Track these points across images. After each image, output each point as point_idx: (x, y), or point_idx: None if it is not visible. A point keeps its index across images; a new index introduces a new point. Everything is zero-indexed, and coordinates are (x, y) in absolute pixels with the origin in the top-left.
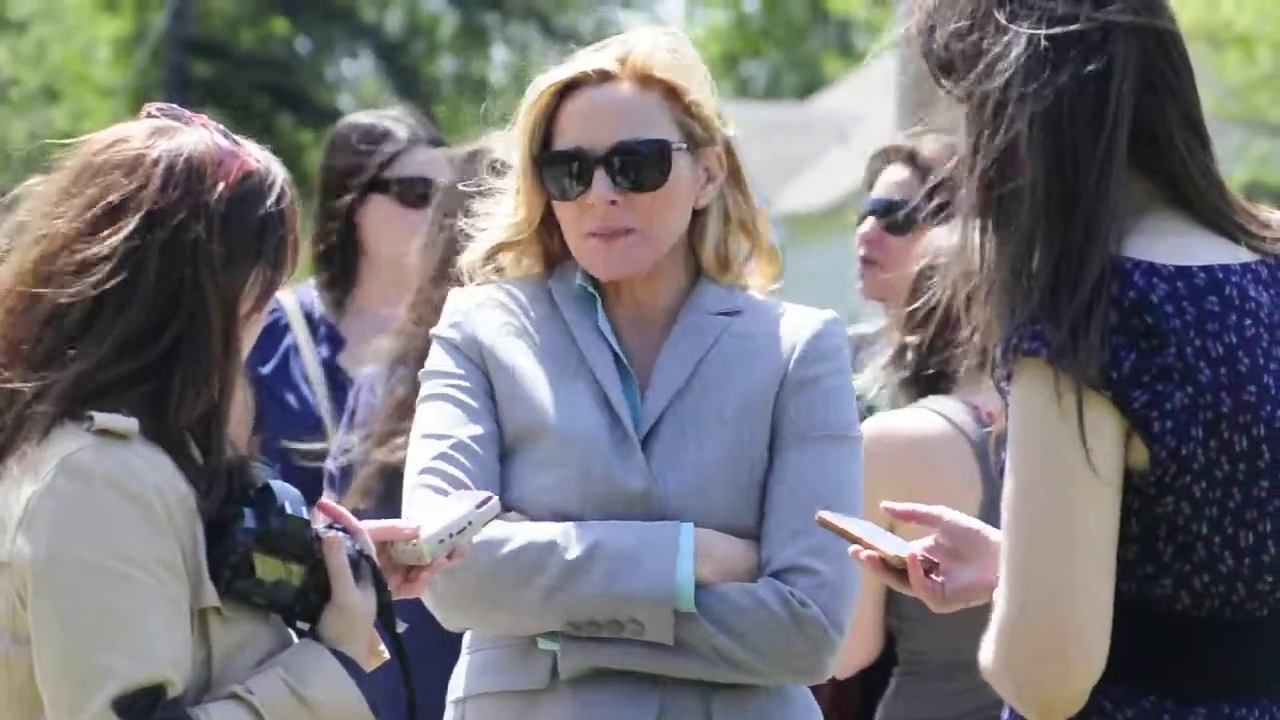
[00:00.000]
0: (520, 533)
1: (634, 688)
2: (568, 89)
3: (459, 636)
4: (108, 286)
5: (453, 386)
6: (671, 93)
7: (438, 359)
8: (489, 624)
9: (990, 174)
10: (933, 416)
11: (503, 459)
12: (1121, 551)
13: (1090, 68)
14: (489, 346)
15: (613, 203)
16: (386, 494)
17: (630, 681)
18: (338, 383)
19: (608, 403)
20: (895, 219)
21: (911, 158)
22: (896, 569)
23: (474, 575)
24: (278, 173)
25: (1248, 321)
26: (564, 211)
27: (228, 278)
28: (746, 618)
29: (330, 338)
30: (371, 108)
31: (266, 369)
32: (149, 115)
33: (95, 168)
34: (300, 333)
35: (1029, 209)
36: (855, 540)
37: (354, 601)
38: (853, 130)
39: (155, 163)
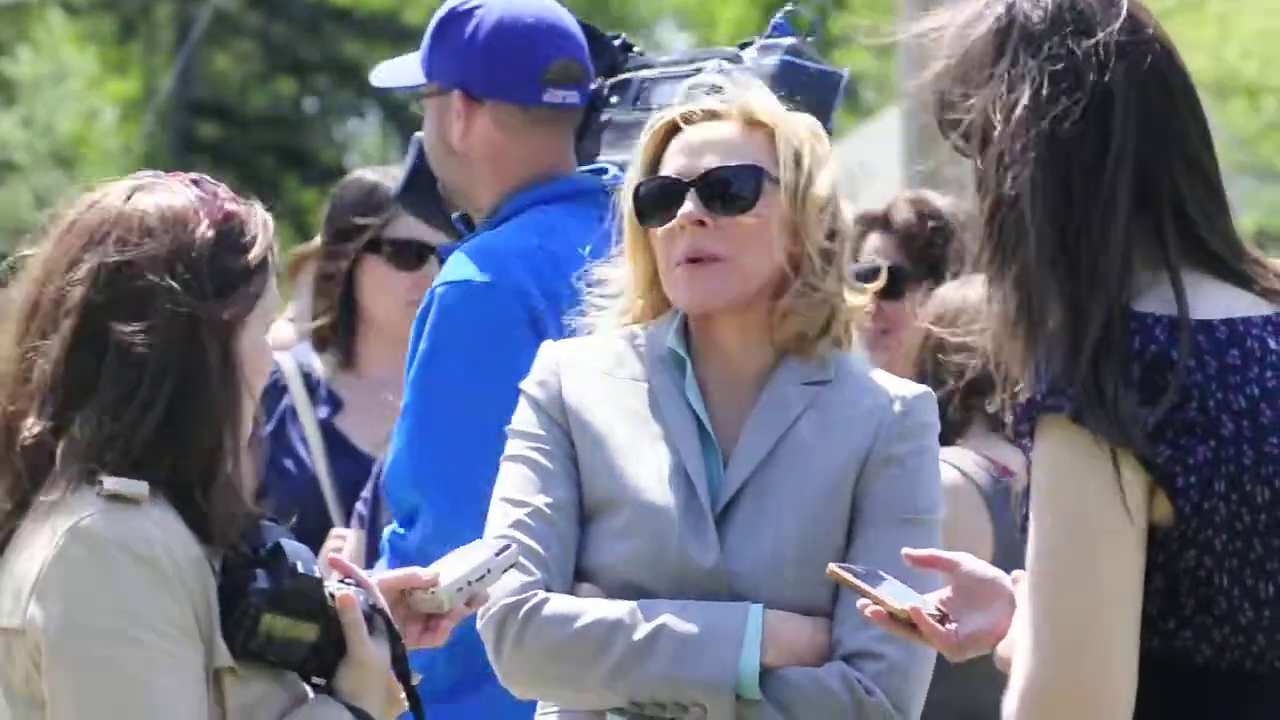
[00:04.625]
0: (590, 610)
1: None
2: (675, 130)
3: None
4: (123, 341)
5: (534, 448)
6: (775, 136)
7: (523, 416)
8: (554, 697)
9: (997, 229)
10: (946, 468)
11: (582, 522)
12: (1145, 606)
13: (1091, 119)
14: (574, 408)
15: (700, 223)
16: None
17: None
18: (335, 446)
19: (686, 474)
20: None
21: (886, 223)
22: (904, 621)
23: (542, 651)
24: (259, 212)
25: (1269, 373)
26: (658, 242)
27: (221, 318)
28: (811, 704)
29: (328, 400)
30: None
31: (263, 432)
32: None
33: (82, 227)
34: (298, 395)
35: (1034, 262)
36: (863, 594)
37: (369, 656)
38: (860, 184)
39: (141, 215)
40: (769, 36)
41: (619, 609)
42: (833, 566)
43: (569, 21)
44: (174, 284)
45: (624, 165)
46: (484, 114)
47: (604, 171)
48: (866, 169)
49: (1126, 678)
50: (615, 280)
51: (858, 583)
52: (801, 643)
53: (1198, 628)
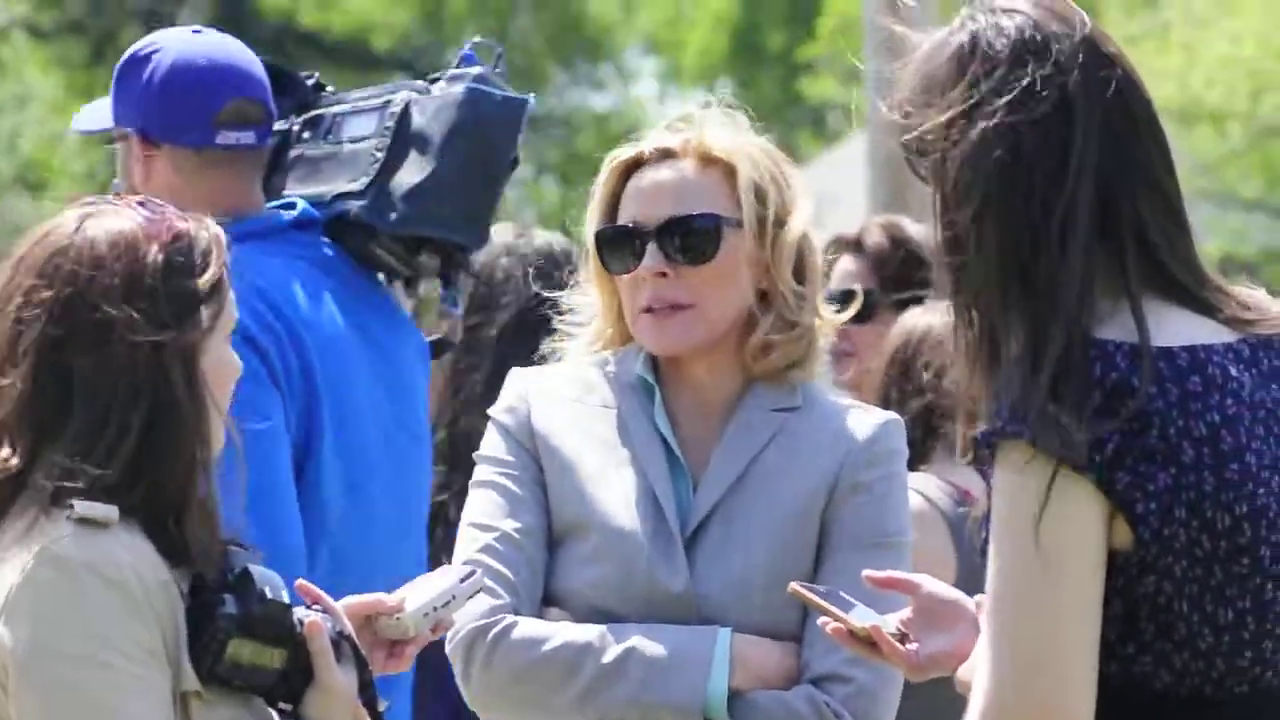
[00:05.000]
0: (558, 633)
1: None
2: (633, 168)
3: None
4: (86, 374)
5: (503, 474)
6: (733, 173)
7: (492, 443)
8: None
9: (957, 253)
10: (909, 493)
11: (551, 548)
12: (1104, 632)
13: (1051, 146)
14: (543, 434)
15: (663, 275)
16: None
17: None
18: None
19: (655, 500)
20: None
21: (858, 246)
22: (865, 640)
23: (510, 674)
24: (209, 227)
25: (1229, 401)
26: (622, 288)
27: (181, 338)
28: None
29: None
30: None
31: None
32: (75, 203)
33: (34, 261)
34: None
35: (994, 286)
36: (824, 612)
37: (337, 683)
38: (827, 210)
39: (90, 244)
40: (458, 66)
41: (588, 632)
42: (794, 585)
43: (248, 62)
44: (131, 313)
45: (312, 199)
46: (162, 158)
47: (292, 206)
48: (832, 196)
49: (1084, 701)
50: (584, 308)
51: (819, 600)
52: (770, 667)
53: (1157, 653)
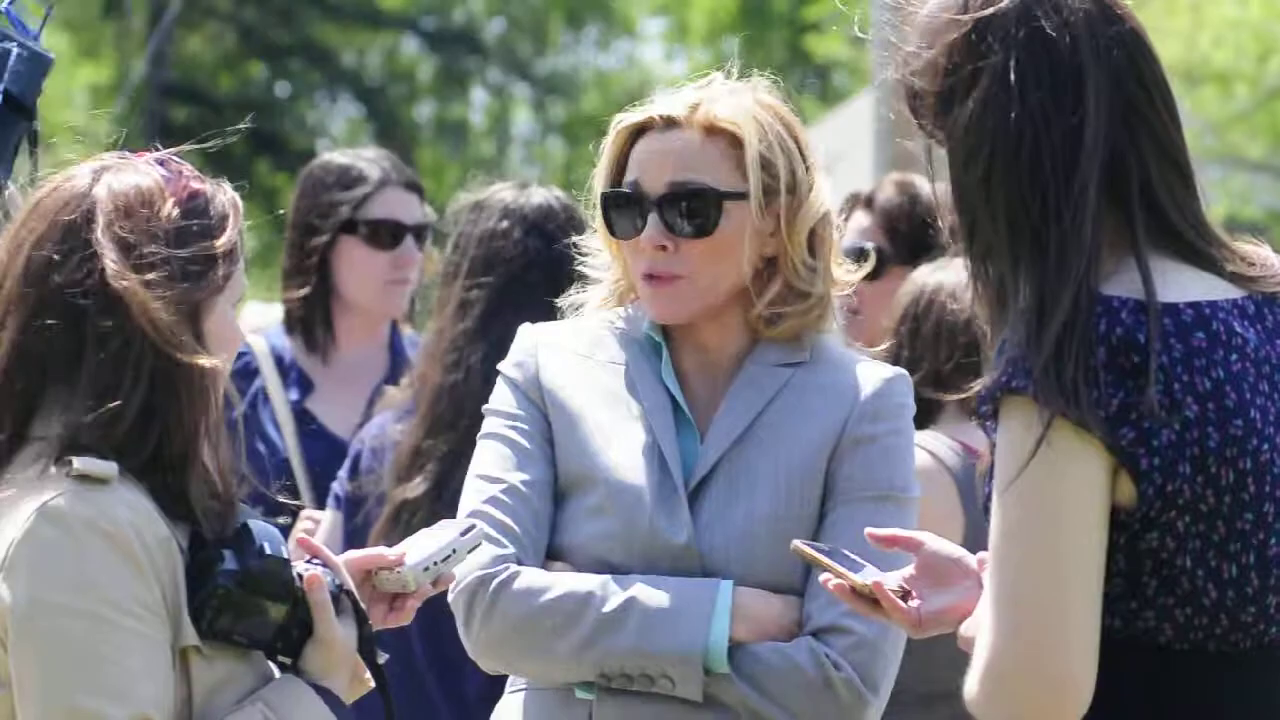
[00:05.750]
0: (560, 583)
1: None
2: (640, 132)
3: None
4: (84, 321)
5: (511, 427)
6: (736, 143)
7: (500, 396)
8: (524, 670)
9: (967, 209)
10: (917, 451)
11: (556, 501)
12: (1107, 587)
13: (1060, 103)
14: (550, 388)
15: (662, 248)
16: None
17: None
18: (307, 428)
19: (660, 453)
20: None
21: (869, 203)
22: (867, 597)
23: (511, 623)
24: (226, 191)
25: (1234, 357)
26: (625, 250)
27: (189, 295)
28: (779, 678)
29: (299, 381)
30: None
31: (234, 413)
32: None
33: (47, 209)
34: (270, 377)
35: (1003, 245)
36: (826, 568)
37: (336, 637)
38: (833, 170)
39: (108, 196)
40: None
41: (589, 582)
42: (796, 543)
43: None
44: (143, 264)
45: None
46: None
47: None
48: (837, 155)
49: (1087, 658)
50: (603, 252)
51: (820, 557)
52: (771, 618)
53: (1160, 609)
